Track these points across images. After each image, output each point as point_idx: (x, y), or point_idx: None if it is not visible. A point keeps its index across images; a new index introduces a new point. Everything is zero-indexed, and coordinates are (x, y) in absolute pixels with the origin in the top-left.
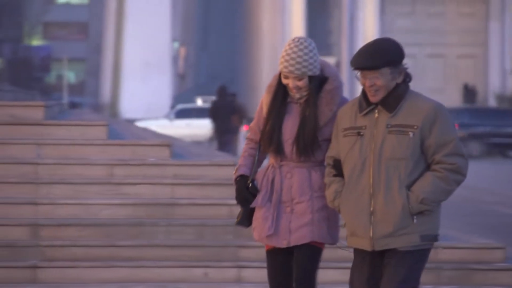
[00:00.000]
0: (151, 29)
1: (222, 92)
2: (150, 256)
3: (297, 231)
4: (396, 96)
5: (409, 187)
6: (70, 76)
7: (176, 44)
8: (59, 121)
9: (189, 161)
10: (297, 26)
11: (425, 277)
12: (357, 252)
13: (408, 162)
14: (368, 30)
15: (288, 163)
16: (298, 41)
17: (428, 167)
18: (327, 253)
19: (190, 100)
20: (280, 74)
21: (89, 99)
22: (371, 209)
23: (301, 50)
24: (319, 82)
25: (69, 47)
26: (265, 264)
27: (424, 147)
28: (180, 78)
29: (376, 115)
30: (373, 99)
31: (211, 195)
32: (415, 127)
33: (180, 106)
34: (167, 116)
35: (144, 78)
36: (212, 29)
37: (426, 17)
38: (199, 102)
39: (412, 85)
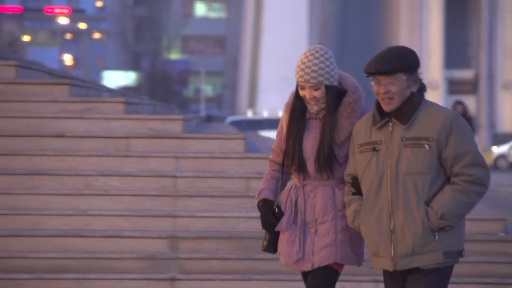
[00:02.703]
0: (288, 43)
1: None
2: (286, 270)
3: (319, 252)
4: (410, 106)
5: (429, 202)
6: (207, 89)
7: None
8: (197, 134)
9: None
10: (434, 39)
11: None
12: (384, 272)
13: (425, 176)
14: (507, 43)
15: (311, 182)
16: (313, 49)
17: (448, 180)
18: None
19: None
20: (296, 90)
21: (226, 112)
22: (391, 227)
23: (316, 58)
24: (337, 94)
25: (206, 60)
26: None
27: (442, 159)
28: None
29: (391, 128)
30: (387, 107)
31: None
32: (431, 139)
33: (231, 118)
34: None
35: (281, 92)
36: (349, 43)
37: None
38: (249, 114)
39: None
